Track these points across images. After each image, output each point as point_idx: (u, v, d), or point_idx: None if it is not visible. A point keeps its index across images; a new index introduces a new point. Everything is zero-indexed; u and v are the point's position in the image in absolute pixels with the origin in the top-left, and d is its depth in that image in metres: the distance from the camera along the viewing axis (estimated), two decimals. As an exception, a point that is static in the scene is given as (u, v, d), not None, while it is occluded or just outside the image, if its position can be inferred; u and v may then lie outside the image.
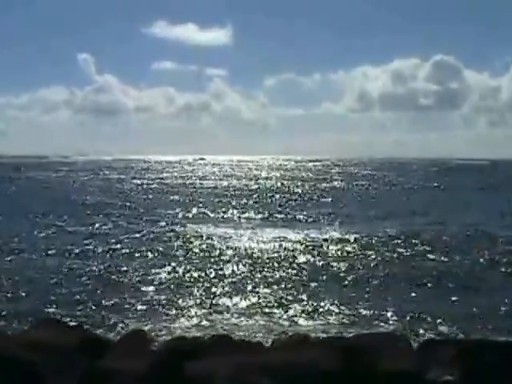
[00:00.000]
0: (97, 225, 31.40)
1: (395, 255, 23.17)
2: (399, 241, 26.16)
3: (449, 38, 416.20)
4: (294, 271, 20.04)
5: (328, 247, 24.82)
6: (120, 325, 14.06)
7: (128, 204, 43.71)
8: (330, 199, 50.18)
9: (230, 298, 16.50)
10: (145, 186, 66.45)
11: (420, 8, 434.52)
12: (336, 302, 16.05)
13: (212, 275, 19.41)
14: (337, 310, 15.29)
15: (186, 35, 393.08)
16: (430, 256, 22.93)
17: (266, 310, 15.37)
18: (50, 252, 23.49)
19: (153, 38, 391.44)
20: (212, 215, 36.94)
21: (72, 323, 12.14)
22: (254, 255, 23.03)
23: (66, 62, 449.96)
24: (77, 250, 23.80)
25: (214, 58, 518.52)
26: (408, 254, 23.62)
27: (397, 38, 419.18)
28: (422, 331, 13.61)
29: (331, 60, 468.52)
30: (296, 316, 14.92)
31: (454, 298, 16.69)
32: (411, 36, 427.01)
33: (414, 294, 17.11)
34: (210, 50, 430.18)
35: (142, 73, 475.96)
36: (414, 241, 26.05)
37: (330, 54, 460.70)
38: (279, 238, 27.20)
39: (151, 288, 17.70)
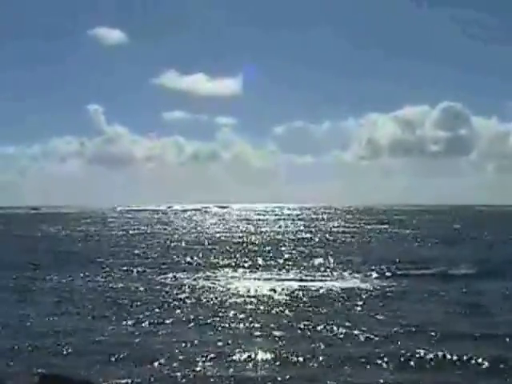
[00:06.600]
0: (107, 277, 31.13)
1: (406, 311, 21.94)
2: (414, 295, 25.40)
3: (456, 84, 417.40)
4: (306, 332, 18.53)
5: (340, 303, 23.61)
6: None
7: (138, 257, 43.11)
8: (342, 249, 49.35)
9: (245, 364, 15.20)
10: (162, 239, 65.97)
11: (427, 55, 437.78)
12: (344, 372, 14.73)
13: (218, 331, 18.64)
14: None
15: (195, 85, 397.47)
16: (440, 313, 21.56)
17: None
18: (58, 306, 23.27)
19: (162, 88, 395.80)
20: (210, 267, 35.57)
21: (78, 379, 12.17)
22: (265, 311, 21.89)
23: (76, 112, 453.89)
24: (88, 305, 23.47)
25: (223, 107, 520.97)
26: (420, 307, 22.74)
27: (405, 85, 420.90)
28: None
29: (340, 108, 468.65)
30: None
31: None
32: (420, 83, 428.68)
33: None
34: (219, 99, 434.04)
35: (151, 122, 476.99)
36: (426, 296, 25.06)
37: (339, 101, 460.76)
38: (288, 295, 26.17)
39: (162, 347, 16.84)
